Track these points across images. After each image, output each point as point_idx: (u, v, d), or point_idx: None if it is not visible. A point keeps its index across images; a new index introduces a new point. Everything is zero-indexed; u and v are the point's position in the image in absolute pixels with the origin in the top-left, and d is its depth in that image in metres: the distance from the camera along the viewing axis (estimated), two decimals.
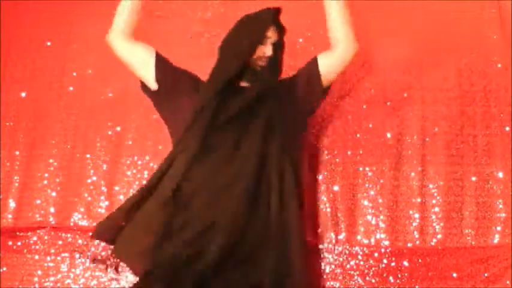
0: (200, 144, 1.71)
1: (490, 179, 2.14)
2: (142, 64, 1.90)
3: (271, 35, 1.87)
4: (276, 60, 1.88)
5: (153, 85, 1.89)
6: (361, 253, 2.11)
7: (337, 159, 2.22)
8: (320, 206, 2.18)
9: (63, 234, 2.27)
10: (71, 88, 2.45)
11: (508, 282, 2.00)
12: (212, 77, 1.84)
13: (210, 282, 1.59)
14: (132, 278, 2.02)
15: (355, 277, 2.09)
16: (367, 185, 2.19)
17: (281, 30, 1.92)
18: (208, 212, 1.65)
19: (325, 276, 2.10)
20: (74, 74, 2.46)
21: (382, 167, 2.19)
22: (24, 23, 2.56)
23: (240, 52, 1.83)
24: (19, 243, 2.28)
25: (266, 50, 1.85)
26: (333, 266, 2.11)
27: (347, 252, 2.12)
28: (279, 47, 1.89)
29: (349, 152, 2.22)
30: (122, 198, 2.22)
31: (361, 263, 2.10)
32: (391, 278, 2.07)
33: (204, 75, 1.90)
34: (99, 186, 2.31)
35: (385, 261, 2.09)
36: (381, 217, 2.15)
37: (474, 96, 2.22)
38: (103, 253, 2.20)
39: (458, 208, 2.12)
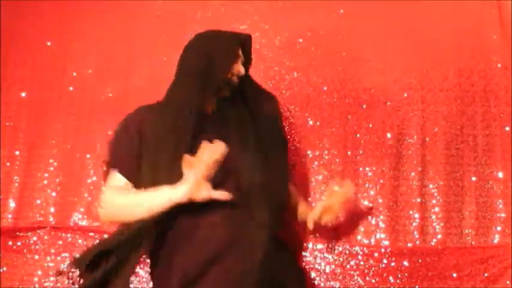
0: None
1: (490, 179, 2.13)
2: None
3: (240, 55, 1.85)
4: (247, 80, 1.88)
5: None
6: (361, 253, 2.11)
7: (337, 159, 2.22)
8: None
9: (63, 234, 2.27)
10: (71, 88, 2.45)
11: (508, 282, 2.00)
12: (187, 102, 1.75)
13: None
14: None
15: (355, 277, 2.09)
16: (367, 185, 2.19)
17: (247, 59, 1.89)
18: None
19: (325, 276, 2.10)
20: (74, 74, 2.46)
21: (382, 167, 2.19)
22: (24, 23, 2.56)
23: (219, 68, 1.77)
24: (19, 243, 2.28)
25: (240, 68, 1.82)
26: (333, 266, 2.11)
27: (347, 252, 2.12)
28: (247, 67, 1.88)
29: (349, 152, 2.22)
30: None
31: (361, 263, 2.10)
32: (391, 278, 2.07)
33: None
34: (99, 186, 2.30)
35: (385, 261, 2.09)
36: (381, 217, 2.14)
37: (474, 96, 2.21)
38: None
39: (458, 208, 2.12)
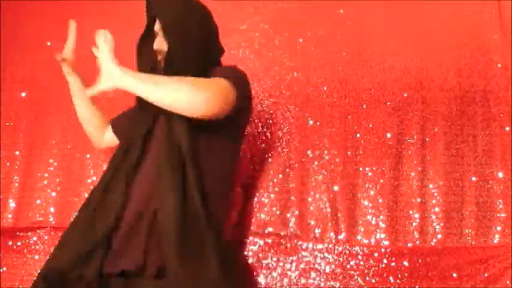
0: None
1: (490, 179, 2.13)
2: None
3: (157, 28, 1.77)
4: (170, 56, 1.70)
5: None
6: (361, 253, 2.11)
7: (337, 159, 2.22)
8: (320, 206, 2.19)
9: None
10: None
11: (508, 282, 1.99)
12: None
13: None
14: None
15: (355, 277, 2.09)
16: (367, 185, 2.19)
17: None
18: None
19: (325, 276, 2.10)
20: None
21: (382, 167, 2.19)
22: (24, 23, 2.56)
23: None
24: (19, 243, 2.28)
25: (157, 44, 1.75)
26: (333, 266, 2.11)
27: (347, 252, 2.12)
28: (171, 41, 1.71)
29: (349, 152, 2.22)
30: None
31: (361, 263, 2.10)
32: (391, 278, 2.07)
33: None
34: None
35: (385, 261, 2.09)
36: (381, 217, 2.14)
37: (474, 96, 2.21)
38: None
39: (458, 208, 2.12)
